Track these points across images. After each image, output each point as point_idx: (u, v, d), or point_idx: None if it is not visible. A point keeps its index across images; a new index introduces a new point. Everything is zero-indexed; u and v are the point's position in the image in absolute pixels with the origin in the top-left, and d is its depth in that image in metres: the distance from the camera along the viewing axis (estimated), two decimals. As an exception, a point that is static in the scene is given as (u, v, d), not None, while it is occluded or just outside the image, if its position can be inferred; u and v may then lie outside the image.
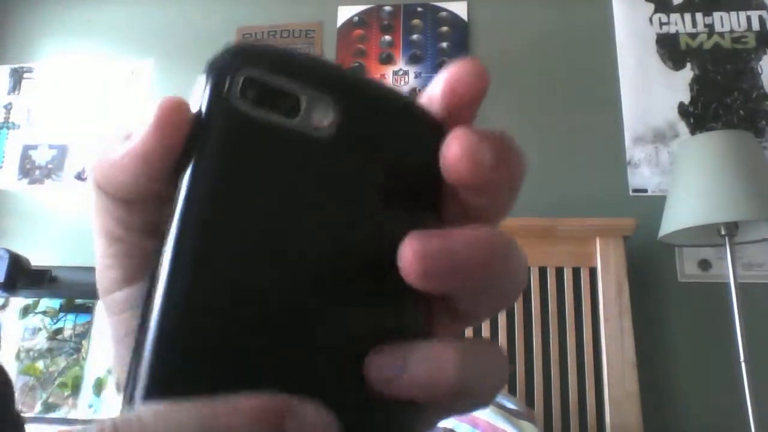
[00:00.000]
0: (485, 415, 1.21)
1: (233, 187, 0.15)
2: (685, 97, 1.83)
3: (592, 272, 1.61)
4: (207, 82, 0.16)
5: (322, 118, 0.17)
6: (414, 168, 0.18)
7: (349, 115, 0.17)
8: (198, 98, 0.16)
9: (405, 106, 0.18)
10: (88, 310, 1.86)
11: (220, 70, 0.16)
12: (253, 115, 0.16)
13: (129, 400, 0.14)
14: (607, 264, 1.59)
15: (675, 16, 1.91)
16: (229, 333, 0.15)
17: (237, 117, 0.16)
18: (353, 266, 0.16)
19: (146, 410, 0.14)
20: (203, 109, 0.16)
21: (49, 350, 1.84)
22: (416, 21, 2.00)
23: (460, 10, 1.99)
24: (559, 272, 1.63)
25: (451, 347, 0.16)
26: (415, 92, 1.91)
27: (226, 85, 0.16)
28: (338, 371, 0.16)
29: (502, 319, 1.60)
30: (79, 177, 2.03)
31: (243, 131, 0.16)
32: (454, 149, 0.17)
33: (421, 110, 0.18)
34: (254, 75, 0.16)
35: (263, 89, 0.16)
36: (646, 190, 1.76)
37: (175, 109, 0.16)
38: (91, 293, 1.67)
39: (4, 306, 1.91)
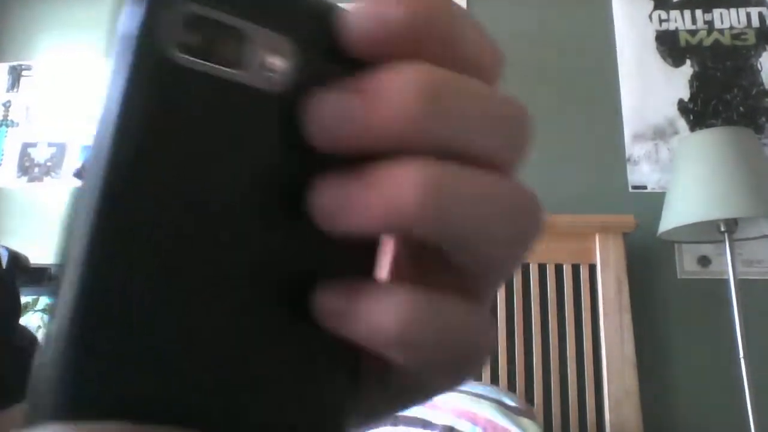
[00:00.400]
0: (485, 412, 1.21)
1: (153, 156, 0.12)
2: (685, 94, 1.82)
3: (592, 269, 1.61)
4: (130, 15, 0.12)
5: (274, 64, 0.13)
6: None
7: (307, 63, 0.14)
8: (120, 36, 0.13)
9: None
10: (87, 307, 1.86)
11: (147, 4, 0.12)
12: (187, 64, 0.13)
13: (35, 413, 0.12)
14: (606, 261, 1.59)
15: (674, 13, 1.90)
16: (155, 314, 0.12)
17: (167, 65, 0.12)
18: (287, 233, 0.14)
19: None
20: (126, 56, 0.12)
21: (49, 348, 1.84)
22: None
23: (460, 6, 1.99)
24: (559, 269, 1.63)
25: (404, 291, 0.13)
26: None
27: (156, 22, 0.12)
28: (271, 339, 0.14)
29: (501, 316, 1.60)
30: (78, 175, 2.03)
31: (173, 84, 0.12)
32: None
33: None
34: (194, 10, 0.13)
35: (203, 28, 0.13)
36: (645, 187, 1.76)
37: None
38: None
39: (3, 304, 1.90)
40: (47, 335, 0.12)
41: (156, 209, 0.12)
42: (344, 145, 0.13)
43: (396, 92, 0.13)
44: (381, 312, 0.13)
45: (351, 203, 0.13)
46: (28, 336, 0.43)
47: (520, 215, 0.14)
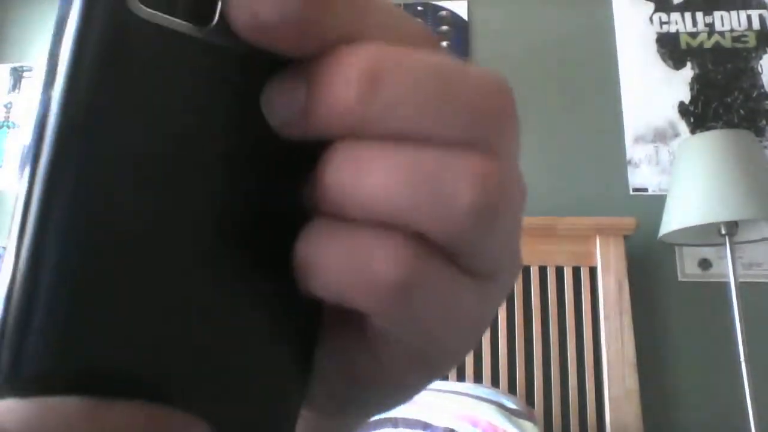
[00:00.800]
0: (486, 414, 1.21)
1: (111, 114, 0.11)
2: (686, 97, 1.83)
3: (593, 271, 1.61)
4: None
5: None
6: None
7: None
8: None
9: None
10: (88, 309, 1.86)
11: None
12: (157, 21, 0.12)
13: None
14: (607, 263, 1.59)
15: (675, 15, 1.90)
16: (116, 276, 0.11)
17: (133, 25, 0.12)
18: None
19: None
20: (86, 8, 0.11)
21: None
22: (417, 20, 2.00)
23: (461, 9, 1.99)
24: (560, 271, 1.63)
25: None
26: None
27: None
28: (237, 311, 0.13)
29: (502, 318, 1.60)
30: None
31: (134, 41, 0.12)
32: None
33: None
34: None
35: None
36: (646, 190, 1.76)
37: None
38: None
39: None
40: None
41: (111, 160, 0.11)
42: (294, 131, 0.13)
43: (335, 80, 0.12)
44: (375, 258, 0.12)
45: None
46: None
47: (465, 194, 0.12)
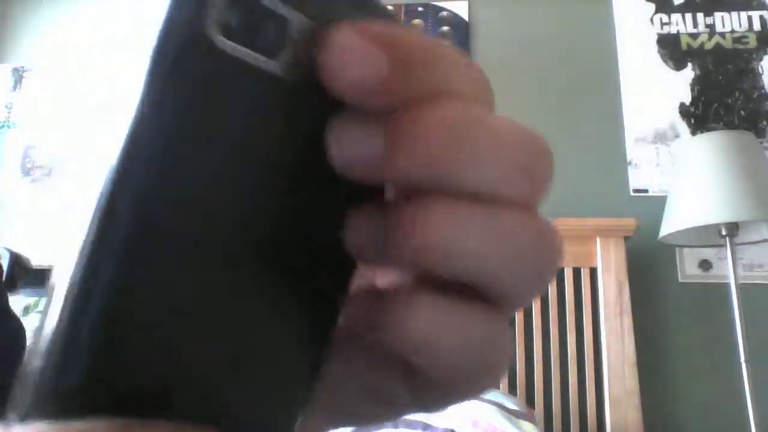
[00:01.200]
0: (486, 415, 1.21)
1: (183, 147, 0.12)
2: (686, 98, 1.83)
3: (593, 272, 1.61)
4: None
5: (306, 54, 0.13)
6: None
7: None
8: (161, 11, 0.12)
9: None
10: (88, 309, 1.86)
11: None
12: (233, 53, 0.12)
13: (18, 410, 0.11)
14: (607, 264, 1.59)
15: (676, 17, 1.90)
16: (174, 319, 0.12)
17: (212, 54, 0.12)
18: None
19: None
20: (164, 32, 0.12)
21: (50, 349, 1.84)
22: (417, 21, 2.00)
23: (461, 9, 1.99)
24: (560, 272, 1.63)
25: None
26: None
27: (201, 5, 0.12)
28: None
29: (502, 319, 1.60)
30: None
31: (207, 66, 0.12)
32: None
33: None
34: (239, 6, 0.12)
35: (251, 13, 0.12)
36: (646, 191, 1.76)
37: None
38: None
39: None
40: (36, 330, 0.11)
41: (176, 191, 0.12)
42: (359, 174, 0.13)
43: (422, 134, 0.12)
44: (405, 318, 0.13)
45: (377, 236, 0.14)
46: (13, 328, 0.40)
47: (540, 255, 0.14)
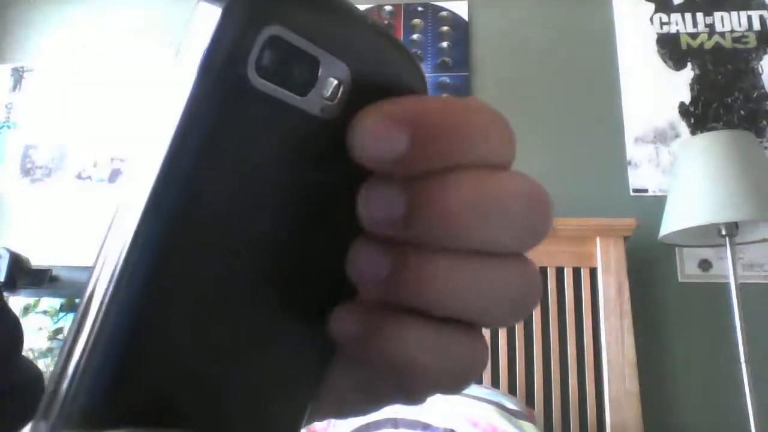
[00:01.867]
0: (486, 415, 1.21)
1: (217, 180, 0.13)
2: (686, 97, 1.83)
3: (593, 272, 1.61)
4: (216, 33, 0.12)
5: (334, 93, 0.14)
6: None
7: (361, 93, 0.14)
8: (198, 51, 0.12)
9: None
10: (88, 309, 1.86)
11: (240, 22, 0.12)
12: (265, 90, 0.13)
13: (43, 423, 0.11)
14: (607, 264, 1.59)
15: (676, 16, 1.90)
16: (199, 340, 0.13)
17: (246, 92, 0.12)
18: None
19: None
20: (207, 75, 0.12)
21: (50, 350, 1.84)
22: (417, 21, 2.00)
23: (461, 9, 1.99)
24: (560, 272, 1.63)
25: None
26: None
27: (241, 45, 0.12)
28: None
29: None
30: (80, 176, 2.03)
31: (243, 104, 0.13)
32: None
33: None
34: (280, 34, 0.13)
35: (285, 54, 0.13)
36: (646, 190, 1.76)
37: None
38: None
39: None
40: (62, 349, 0.12)
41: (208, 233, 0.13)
42: (385, 231, 0.15)
43: (432, 205, 0.14)
44: (395, 340, 0.15)
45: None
46: (31, 372, 0.39)
47: (527, 297, 0.16)
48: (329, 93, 0.14)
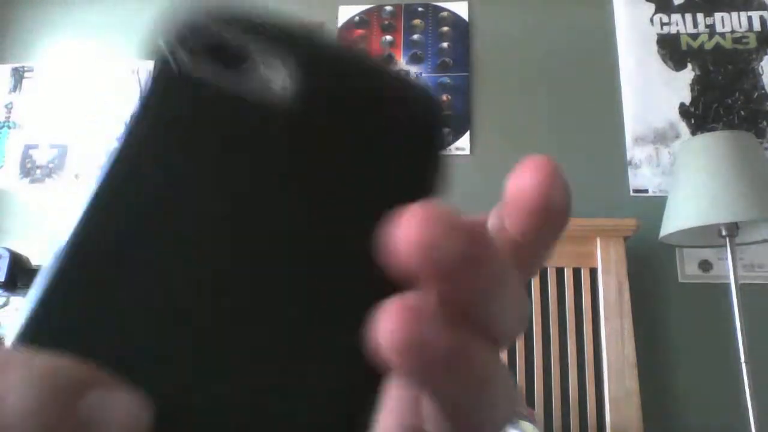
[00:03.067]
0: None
1: (158, 159, 0.13)
2: (686, 98, 1.83)
3: (593, 272, 1.61)
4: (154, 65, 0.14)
5: (278, 82, 0.14)
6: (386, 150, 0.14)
7: (312, 81, 0.14)
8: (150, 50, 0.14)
9: (380, 74, 0.15)
10: (88, 309, 1.86)
11: (165, 48, 0.14)
12: (196, 74, 0.14)
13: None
14: (607, 264, 1.59)
15: (676, 17, 1.90)
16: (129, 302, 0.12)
17: (183, 80, 0.14)
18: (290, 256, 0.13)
19: None
20: (152, 69, 0.14)
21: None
22: (417, 21, 2.00)
23: (461, 10, 1.99)
24: (560, 272, 1.63)
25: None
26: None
27: (181, 43, 0.14)
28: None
29: (502, 319, 1.60)
30: (80, 176, 2.03)
31: (183, 96, 0.14)
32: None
33: (405, 81, 0.15)
34: (218, 32, 0.14)
35: (212, 48, 0.14)
36: (646, 191, 1.76)
37: None
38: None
39: (4, 305, 1.91)
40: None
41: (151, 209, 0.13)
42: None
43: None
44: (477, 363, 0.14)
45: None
46: None
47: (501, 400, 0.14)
48: (271, 82, 0.14)
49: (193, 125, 0.14)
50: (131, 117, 0.14)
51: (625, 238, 1.61)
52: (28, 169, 2.06)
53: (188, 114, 0.14)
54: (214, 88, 0.14)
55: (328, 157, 0.14)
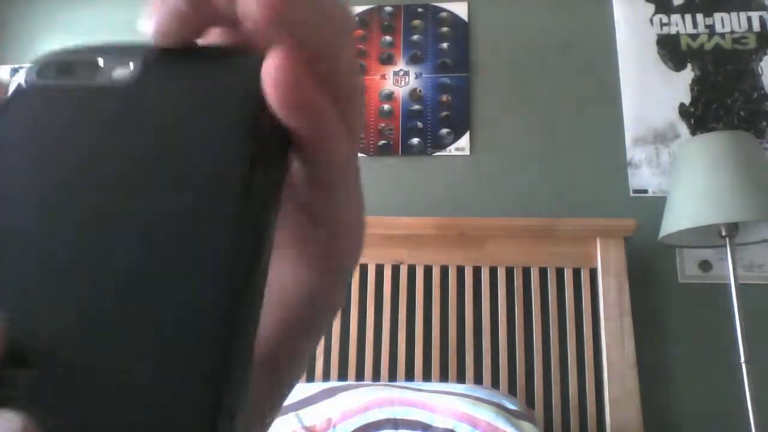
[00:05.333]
0: (486, 415, 1.21)
1: (14, 144, 0.15)
2: (686, 98, 1.83)
3: (593, 273, 1.61)
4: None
5: (120, 73, 0.16)
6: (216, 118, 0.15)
7: (148, 67, 0.16)
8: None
9: (210, 52, 0.16)
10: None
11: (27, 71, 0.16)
12: (46, 83, 0.16)
13: None
14: (607, 265, 1.59)
15: (675, 17, 1.91)
16: None
17: (31, 88, 0.16)
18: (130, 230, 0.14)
19: None
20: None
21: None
22: (417, 21, 2.00)
23: (461, 10, 1.99)
24: (560, 273, 1.63)
25: None
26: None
27: (27, 75, 0.16)
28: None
29: (502, 319, 1.60)
30: None
31: (33, 96, 0.16)
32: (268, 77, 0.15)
33: (229, 50, 0.16)
34: (51, 58, 0.16)
35: (61, 63, 0.16)
36: (646, 191, 1.76)
37: None
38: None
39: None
40: None
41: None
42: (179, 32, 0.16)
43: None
44: None
45: None
46: None
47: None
48: (114, 71, 0.16)
49: (35, 115, 0.15)
50: None
51: (625, 239, 1.61)
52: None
53: (30, 110, 0.15)
54: (54, 87, 0.16)
55: (150, 124, 0.15)
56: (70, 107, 0.15)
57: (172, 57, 0.16)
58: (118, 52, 0.16)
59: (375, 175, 1.84)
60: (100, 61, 0.16)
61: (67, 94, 0.16)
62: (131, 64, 0.16)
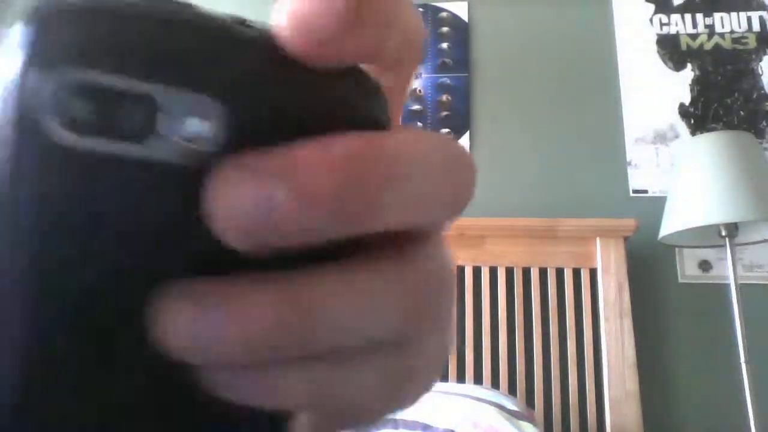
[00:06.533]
0: (486, 415, 1.21)
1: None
2: (686, 98, 1.83)
3: (593, 273, 1.61)
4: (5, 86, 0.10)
5: (196, 133, 0.10)
6: None
7: (244, 128, 0.11)
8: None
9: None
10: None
11: (30, 72, 0.10)
12: (83, 148, 0.10)
13: None
14: (607, 265, 1.59)
15: (675, 17, 1.91)
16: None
17: (55, 155, 0.10)
18: None
19: None
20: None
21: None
22: (417, 21, 2.00)
23: (461, 10, 1.99)
24: (560, 273, 1.63)
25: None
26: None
27: (37, 101, 0.10)
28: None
29: (502, 319, 1.60)
30: None
31: (56, 171, 0.10)
32: None
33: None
34: (85, 78, 0.10)
35: (96, 98, 0.10)
36: (646, 191, 1.76)
37: None
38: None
39: None
40: None
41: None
42: (249, 241, 0.10)
43: (312, 179, 0.10)
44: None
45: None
46: None
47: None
48: (187, 132, 0.10)
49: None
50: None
51: (625, 239, 1.61)
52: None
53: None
54: (98, 153, 0.10)
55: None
56: (125, 191, 0.10)
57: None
58: (186, 86, 0.10)
59: (375, 175, 1.84)
60: (160, 107, 0.10)
61: (112, 164, 0.10)
62: (207, 122, 0.10)
